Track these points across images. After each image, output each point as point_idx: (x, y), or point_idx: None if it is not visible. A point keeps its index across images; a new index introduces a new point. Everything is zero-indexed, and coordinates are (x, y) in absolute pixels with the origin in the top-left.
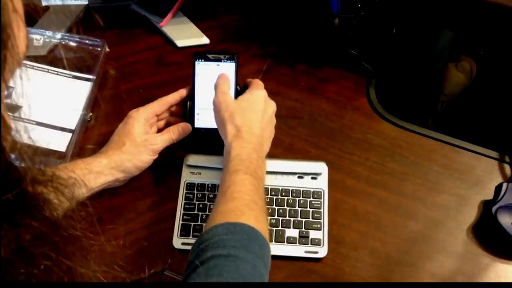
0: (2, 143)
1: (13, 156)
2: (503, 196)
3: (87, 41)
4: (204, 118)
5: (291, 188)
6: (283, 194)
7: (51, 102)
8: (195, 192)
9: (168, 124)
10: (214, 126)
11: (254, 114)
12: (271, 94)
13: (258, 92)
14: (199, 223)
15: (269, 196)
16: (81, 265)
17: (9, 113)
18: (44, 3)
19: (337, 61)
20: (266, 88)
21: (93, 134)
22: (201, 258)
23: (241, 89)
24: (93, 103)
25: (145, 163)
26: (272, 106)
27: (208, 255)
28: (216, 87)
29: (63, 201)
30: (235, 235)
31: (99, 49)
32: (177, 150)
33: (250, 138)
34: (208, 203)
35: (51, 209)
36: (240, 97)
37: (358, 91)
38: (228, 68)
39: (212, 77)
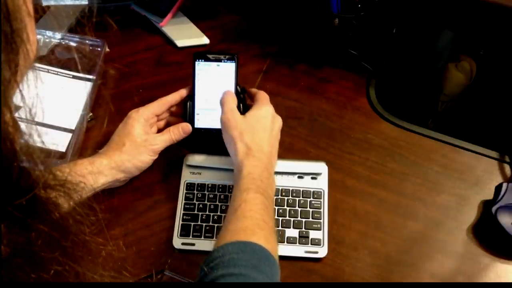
0: (15, 147)
1: (24, 159)
2: (503, 196)
3: (87, 41)
4: (204, 118)
5: (291, 188)
6: (283, 194)
7: (51, 102)
8: (195, 192)
9: (168, 124)
10: (214, 126)
11: (263, 132)
12: (271, 94)
13: (265, 109)
14: (199, 223)
15: None
16: (90, 270)
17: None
18: (44, 3)
19: (337, 61)
20: (266, 88)
21: (93, 134)
22: (212, 276)
23: (241, 90)
24: (93, 103)
25: (145, 163)
26: (279, 122)
27: (219, 273)
28: (222, 104)
29: (71, 206)
30: (246, 255)
31: (99, 49)
32: (177, 150)
33: (261, 156)
34: (208, 203)
35: (61, 213)
36: (248, 114)
37: (358, 91)
38: (228, 68)
39: (212, 77)
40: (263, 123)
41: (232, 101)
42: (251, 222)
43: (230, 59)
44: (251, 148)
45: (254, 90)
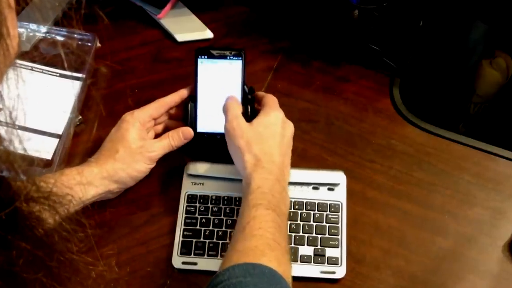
0: None
1: (3, 168)
2: None
3: (75, 35)
4: (207, 122)
5: (305, 201)
6: (296, 207)
7: (36, 104)
8: (197, 204)
9: (167, 129)
10: (219, 130)
11: (273, 140)
12: (283, 94)
13: (274, 114)
14: (201, 239)
15: None
16: None
17: None
18: None
19: (356, 57)
20: (277, 88)
21: (83, 140)
22: None
23: (249, 90)
24: (82, 105)
25: (141, 173)
26: (290, 128)
27: None
28: (225, 110)
29: (57, 221)
30: (255, 278)
31: (89, 44)
32: (177, 157)
33: (271, 167)
34: (212, 217)
35: (46, 229)
36: (255, 121)
37: (380, 91)
38: (234, 66)
39: (217, 75)
40: (273, 130)
41: (237, 107)
42: (261, 242)
43: (237, 56)
44: (260, 158)
45: (261, 93)
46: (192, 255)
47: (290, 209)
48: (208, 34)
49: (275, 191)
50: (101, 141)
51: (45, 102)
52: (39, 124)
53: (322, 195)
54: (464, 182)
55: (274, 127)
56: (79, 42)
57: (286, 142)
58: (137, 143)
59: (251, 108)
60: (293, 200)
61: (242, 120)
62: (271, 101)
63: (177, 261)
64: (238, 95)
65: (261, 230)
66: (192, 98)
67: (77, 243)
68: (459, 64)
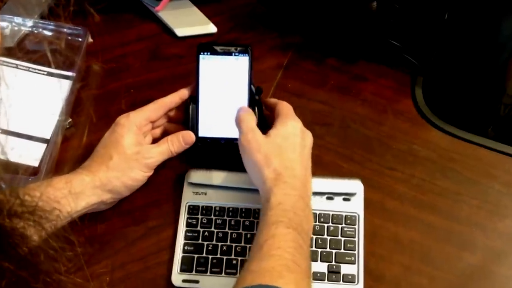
0: None
1: None
2: None
3: (65, 30)
4: (210, 125)
5: (318, 212)
6: None
7: (21, 106)
8: (199, 216)
9: (166, 133)
10: (223, 135)
11: (293, 152)
12: (294, 95)
13: (292, 124)
14: (204, 255)
15: None
16: None
17: None
18: None
19: (375, 54)
20: (287, 87)
21: (73, 145)
22: None
23: (256, 90)
24: (72, 107)
25: (137, 181)
26: (309, 138)
27: None
28: (239, 123)
29: (43, 238)
30: None
31: (80, 39)
32: (177, 164)
33: (294, 182)
34: (216, 231)
35: (31, 248)
36: (272, 132)
37: (401, 91)
38: (240, 63)
39: (221, 74)
40: (292, 141)
41: (251, 119)
42: (279, 263)
43: (243, 52)
44: (281, 173)
45: (273, 100)
46: (194, 272)
47: None
48: (211, 28)
49: (297, 208)
50: (93, 146)
51: (31, 103)
52: (24, 128)
53: (337, 206)
54: (493, 192)
55: (293, 138)
56: (69, 38)
57: (306, 153)
58: (133, 149)
59: (258, 110)
60: None
61: (258, 132)
62: (286, 109)
63: (177, 278)
64: (244, 95)
65: (280, 250)
66: (194, 99)
67: (65, 263)
68: (488, 61)
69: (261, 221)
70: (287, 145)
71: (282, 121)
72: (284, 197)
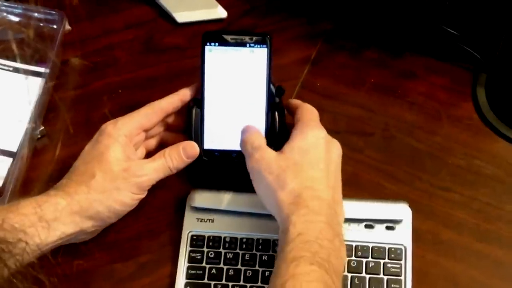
0: None
1: None
2: None
3: (36, 14)
4: (218, 135)
5: (354, 244)
6: None
7: None
8: (205, 249)
9: (163, 145)
10: (234, 147)
11: (315, 168)
12: (324, 96)
13: (313, 133)
14: None
15: None
16: None
17: None
18: None
19: (426, 45)
20: (315, 87)
21: (45, 160)
22: None
23: (276, 91)
24: (45, 111)
25: (126, 206)
26: (336, 150)
27: None
28: (243, 145)
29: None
30: None
31: (54, 26)
32: (176, 184)
33: (318, 206)
34: (225, 267)
35: None
36: (287, 146)
37: (459, 93)
38: (256, 57)
39: (231, 70)
40: (314, 155)
41: (256, 137)
42: None
43: (260, 43)
44: (300, 195)
45: (295, 101)
46: None
47: None
48: (219, 12)
49: (323, 238)
50: (70, 161)
51: None
52: None
53: (379, 236)
54: None
55: (315, 151)
56: (40, 24)
57: (333, 169)
58: (121, 165)
59: (279, 117)
60: None
61: (266, 150)
62: (308, 115)
63: None
64: (261, 98)
65: None
66: (198, 101)
67: None
68: None
69: (277, 258)
70: (307, 161)
71: (301, 130)
72: (305, 225)
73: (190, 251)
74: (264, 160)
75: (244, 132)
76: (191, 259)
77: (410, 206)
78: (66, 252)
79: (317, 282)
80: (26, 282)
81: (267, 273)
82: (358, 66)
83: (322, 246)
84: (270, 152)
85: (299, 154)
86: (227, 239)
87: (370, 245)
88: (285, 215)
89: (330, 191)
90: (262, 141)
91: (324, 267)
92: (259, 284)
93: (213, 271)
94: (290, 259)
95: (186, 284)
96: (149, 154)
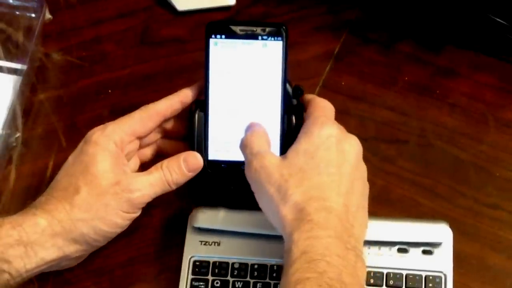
0: None
1: None
2: None
3: (10, 1)
4: (225, 144)
5: (385, 271)
6: (371, 281)
7: None
8: (210, 278)
9: (160, 155)
10: (243, 158)
11: (323, 173)
12: (349, 97)
13: (322, 132)
14: None
15: None
16: None
17: None
18: None
19: (469, 38)
20: (339, 86)
21: (23, 172)
22: None
23: (293, 91)
24: (22, 115)
25: (116, 227)
26: (350, 146)
27: None
28: (243, 148)
29: None
30: None
31: (33, 15)
32: (176, 201)
33: (324, 218)
34: None
35: None
36: (292, 149)
37: (509, 92)
38: (270, 52)
39: (240, 67)
40: (322, 158)
41: (258, 141)
42: None
43: (274, 35)
44: (304, 208)
45: (307, 96)
46: None
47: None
48: None
49: (331, 254)
50: (51, 174)
51: None
52: None
53: (414, 262)
54: None
55: (324, 153)
56: (16, 13)
57: (347, 172)
58: (110, 178)
59: (296, 120)
60: (367, 269)
61: (267, 156)
62: (318, 111)
63: None
64: (275, 99)
65: None
66: (201, 104)
67: None
68: None
69: (281, 283)
70: (313, 165)
71: (307, 129)
72: (309, 242)
73: (193, 280)
74: (263, 169)
75: (246, 130)
76: None
77: (450, 227)
78: (52, 280)
79: None
80: None
81: None
82: (389, 62)
83: (330, 264)
84: (271, 159)
85: (305, 158)
86: (236, 266)
87: (404, 272)
88: (288, 233)
89: (341, 199)
90: (263, 145)
91: None
92: None
93: None
94: (294, 282)
95: None
96: (144, 166)
